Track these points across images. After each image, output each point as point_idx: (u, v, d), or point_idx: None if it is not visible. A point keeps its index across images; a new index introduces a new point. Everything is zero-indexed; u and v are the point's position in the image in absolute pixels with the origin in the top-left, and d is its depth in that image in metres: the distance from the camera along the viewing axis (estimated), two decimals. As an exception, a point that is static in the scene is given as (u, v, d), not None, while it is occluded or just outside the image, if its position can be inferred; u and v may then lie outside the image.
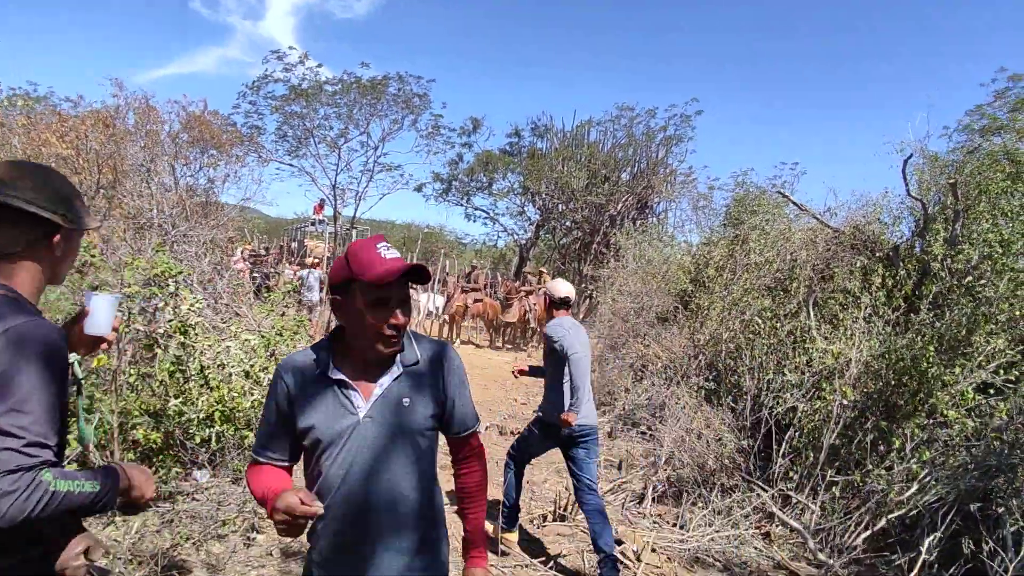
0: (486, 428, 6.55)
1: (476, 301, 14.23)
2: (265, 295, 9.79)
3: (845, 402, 4.61)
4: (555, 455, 6.00)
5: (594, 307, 19.23)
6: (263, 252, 11.24)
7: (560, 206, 19.86)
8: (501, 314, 14.05)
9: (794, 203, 7.20)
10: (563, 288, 3.73)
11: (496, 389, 9.37)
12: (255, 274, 11.10)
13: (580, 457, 3.57)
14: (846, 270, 6.39)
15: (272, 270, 11.97)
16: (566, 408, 3.44)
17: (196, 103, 7.05)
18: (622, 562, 3.76)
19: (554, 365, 3.58)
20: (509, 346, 14.48)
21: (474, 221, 22.92)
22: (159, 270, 2.89)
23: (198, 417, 3.09)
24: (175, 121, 6.74)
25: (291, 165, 15.47)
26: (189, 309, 2.97)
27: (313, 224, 21.03)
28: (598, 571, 3.41)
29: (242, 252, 11.16)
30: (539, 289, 16.50)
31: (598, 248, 19.48)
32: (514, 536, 3.84)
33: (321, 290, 12.51)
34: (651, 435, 6.52)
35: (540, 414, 3.80)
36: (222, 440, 3.94)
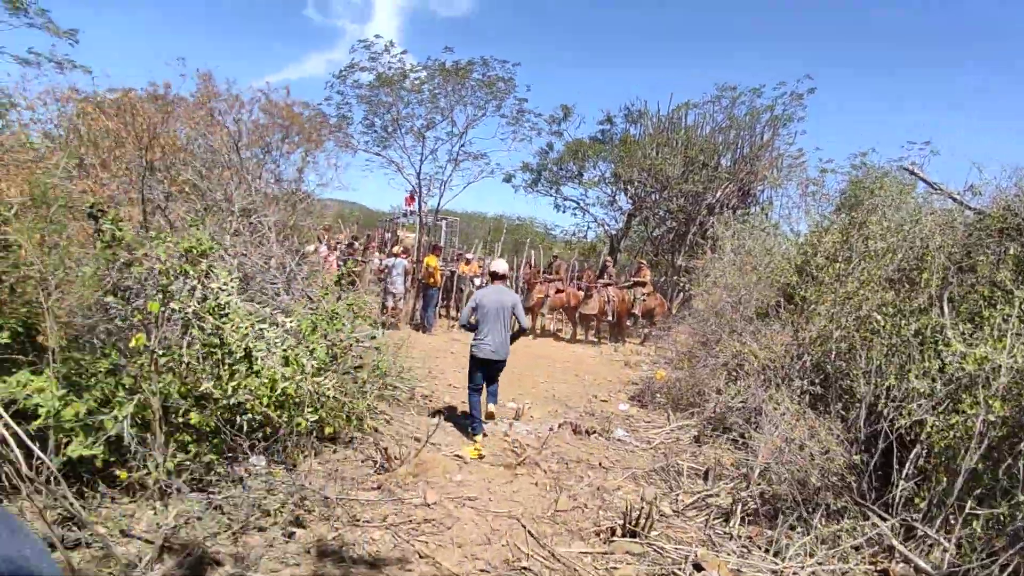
0: (559, 425, 6.12)
1: (557, 292, 13.77)
2: (346, 282, 9.91)
3: (991, 418, 3.76)
4: (632, 461, 5.50)
5: (687, 300, 18.22)
6: (353, 241, 11.42)
7: (654, 195, 18.91)
8: (580, 306, 13.51)
9: (925, 181, 6.18)
10: (495, 265, 5.85)
11: (575, 384, 8.91)
12: (343, 261, 11.29)
13: (493, 378, 5.67)
14: (992, 259, 5.35)
15: (360, 258, 12.15)
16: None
17: (278, 90, 7.13)
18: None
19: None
20: (594, 339, 13.91)
21: (564, 212, 22.39)
22: (185, 246, 2.72)
23: (228, 402, 2.90)
24: (255, 109, 6.86)
25: (379, 155, 15.69)
26: (219, 288, 2.79)
27: (405, 215, 21.45)
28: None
29: (327, 241, 11.37)
30: (623, 280, 15.72)
31: (694, 239, 18.38)
32: (476, 442, 5.34)
33: (407, 280, 12.60)
34: (744, 443, 5.81)
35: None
36: (274, 425, 3.79)
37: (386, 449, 4.24)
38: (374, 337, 5.45)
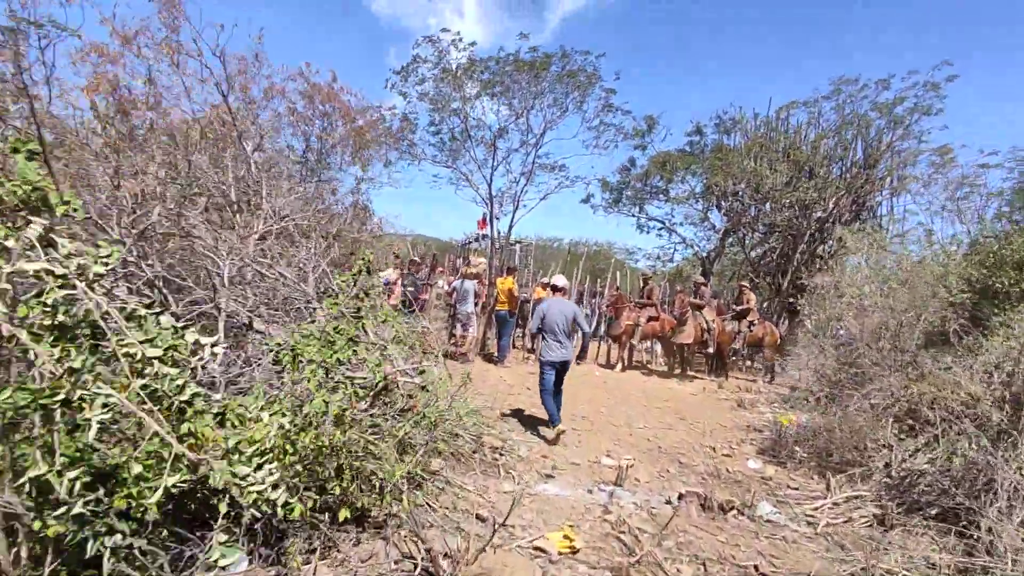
0: (678, 497, 4.42)
1: (650, 319, 11.97)
2: (409, 308, 8.64)
3: None
4: (800, 558, 3.67)
5: (798, 325, 15.88)
6: (418, 260, 10.19)
7: (752, 209, 16.81)
8: (673, 334, 11.62)
9: None
10: (556, 280, 6.46)
11: (682, 430, 7.11)
12: (407, 284, 10.10)
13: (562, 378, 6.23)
14: None
15: (425, 281, 10.96)
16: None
17: (321, 72, 6.05)
18: None
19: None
20: (691, 373, 11.96)
21: (647, 232, 20.50)
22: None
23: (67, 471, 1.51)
24: (292, 89, 5.77)
25: (447, 167, 14.39)
26: (67, 271, 1.43)
27: (477, 240, 20.38)
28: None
29: (396, 266, 10.26)
30: (722, 306, 13.66)
31: (803, 258, 16.12)
32: (558, 427, 5.87)
33: (477, 303, 11.29)
34: (966, 530, 3.91)
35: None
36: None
37: (429, 550, 2.73)
38: (423, 372, 4.04)
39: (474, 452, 4.90)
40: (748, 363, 14.40)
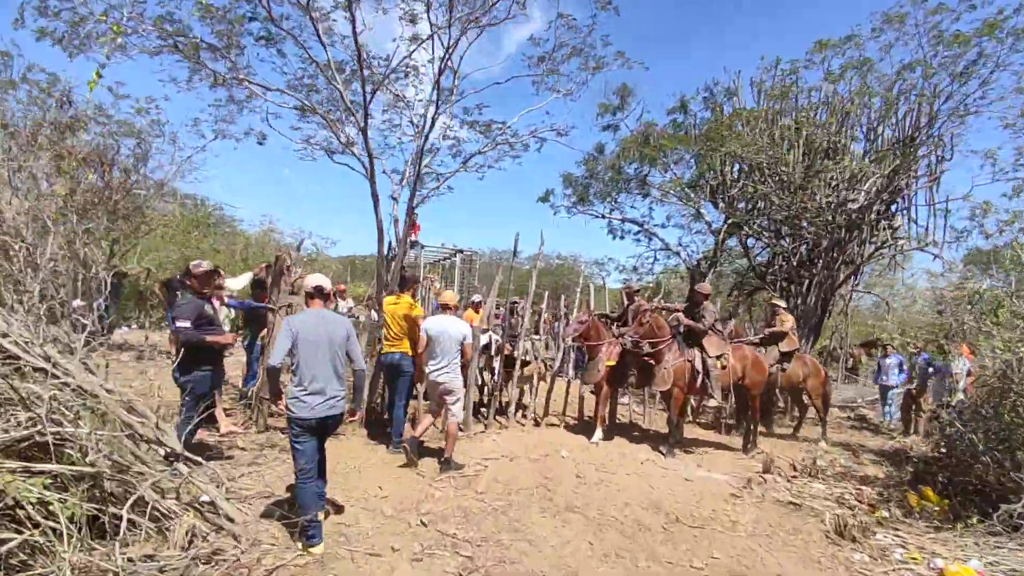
0: None
1: (646, 354, 7.59)
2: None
3: None
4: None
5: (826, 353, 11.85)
6: (207, 268, 5.38)
7: (759, 203, 12.82)
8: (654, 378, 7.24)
9: None
10: (313, 280, 3.94)
11: None
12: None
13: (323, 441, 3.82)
14: None
15: (267, 304, 6.39)
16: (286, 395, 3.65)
17: None
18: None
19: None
20: (671, 441, 7.64)
21: (621, 238, 16.33)
22: None
23: None
24: None
25: (303, 109, 9.09)
26: None
27: (411, 246, 15.85)
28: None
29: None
30: (725, 328, 9.27)
31: (831, 262, 12.15)
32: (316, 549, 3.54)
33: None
34: None
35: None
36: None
37: None
38: None
39: None
40: (784, 412, 10.28)
